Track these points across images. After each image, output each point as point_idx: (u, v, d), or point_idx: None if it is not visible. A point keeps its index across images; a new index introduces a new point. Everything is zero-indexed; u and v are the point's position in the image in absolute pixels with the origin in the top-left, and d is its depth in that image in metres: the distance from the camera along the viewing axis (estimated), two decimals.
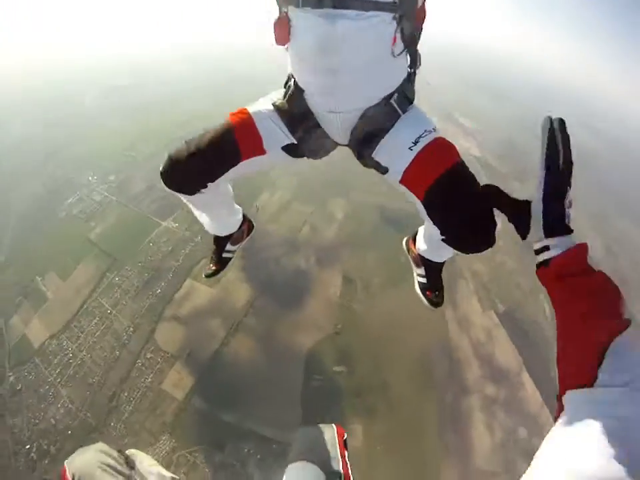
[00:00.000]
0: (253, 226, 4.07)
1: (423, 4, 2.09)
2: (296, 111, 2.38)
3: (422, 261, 3.29)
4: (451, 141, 2.22)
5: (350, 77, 2.06)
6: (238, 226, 3.68)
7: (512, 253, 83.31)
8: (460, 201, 1.93)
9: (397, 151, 2.19)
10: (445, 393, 36.31)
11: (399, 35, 1.99)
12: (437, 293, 3.32)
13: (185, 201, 2.61)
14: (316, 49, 1.95)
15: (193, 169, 2.22)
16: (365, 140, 2.37)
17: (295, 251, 60.33)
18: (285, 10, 1.95)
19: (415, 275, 3.60)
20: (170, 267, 41.65)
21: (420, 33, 2.21)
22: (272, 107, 2.40)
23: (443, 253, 3.08)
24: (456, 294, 64.34)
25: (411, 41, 2.14)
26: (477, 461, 30.00)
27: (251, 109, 2.40)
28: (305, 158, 2.72)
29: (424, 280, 3.35)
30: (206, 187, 2.37)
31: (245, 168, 2.41)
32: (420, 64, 2.39)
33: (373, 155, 2.36)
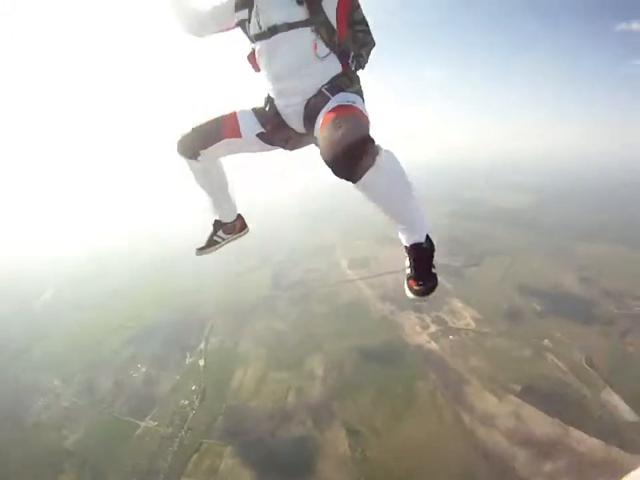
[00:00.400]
0: (245, 227, 5.28)
1: (343, 17, 3.32)
2: (268, 112, 3.75)
3: (406, 251, 3.70)
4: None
5: (288, 78, 3.41)
6: (232, 218, 5.00)
7: (498, 334, 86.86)
8: (341, 132, 2.66)
9: (319, 118, 3.22)
10: None
11: (319, 42, 3.25)
12: (420, 282, 3.52)
13: (188, 169, 4.12)
14: (264, 63, 3.45)
15: (190, 139, 3.72)
16: (310, 123, 3.46)
17: (287, 420, 58.32)
18: (252, 47, 3.50)
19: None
20: (160, 469, 42.11)
21: (353, 38, 3.52)
22: (251, 109, 3.86)
23: (407, 228, 3.62)
24: (467, 399, 67.68)
25: (335, 45, 3.34)
26: None
27: (237, 109, 3.88)
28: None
29: (408, 270, 3.68)
30: (199, 154, 3.83)
31: (228, 146, 3.88)
32: (366, 61, 3.65)
33: (315, 134, 3.32)
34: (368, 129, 2.91)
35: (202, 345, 73.10)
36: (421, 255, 3.66)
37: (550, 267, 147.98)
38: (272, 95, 3.76)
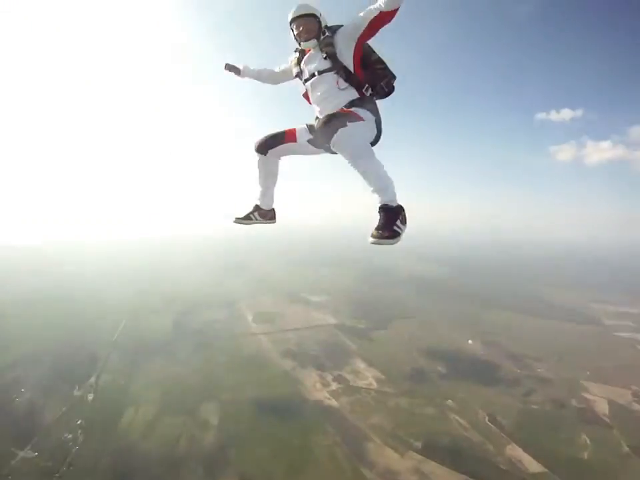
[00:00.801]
0: (274, 218, 8.11)
1: (357, 57, 6.16)
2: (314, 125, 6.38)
3: (378, 212, 5.83)
4: None
5: (323, 103, 6.28)
6: (268, 207, 7.81)
7: (401, 393, 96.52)
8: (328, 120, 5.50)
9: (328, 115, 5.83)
10: None
11: (340, 80, 6.07)
12: (380, 232, 5.57)
13: (256, 162, 6.96)
14: (311, 95, 6.52)
15: (264, 140, 6.45)
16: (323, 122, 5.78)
17: (177, 466, 60.44)
18: (305, 87, 6.59)
19: None
20: None
21: (367, 71, 6.42)
22: (306, 124, 6.53)
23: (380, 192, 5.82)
24: (367, 455, 73.28)
25: (352, 81, 6.15)
26: None
27: (299, 126, 6.61)
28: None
29: (377, 224, 5.72)
30: (267, 153, 6.52)
31: (288, 148, 6.61)
32: (388, 90, 6.58)
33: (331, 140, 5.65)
34: (348, 117, 5.75)
35: (92, 379, 72.42)
36: (388, 213, 5.67)
37: (455, 332, 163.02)
38: (317, 115, 6.78)
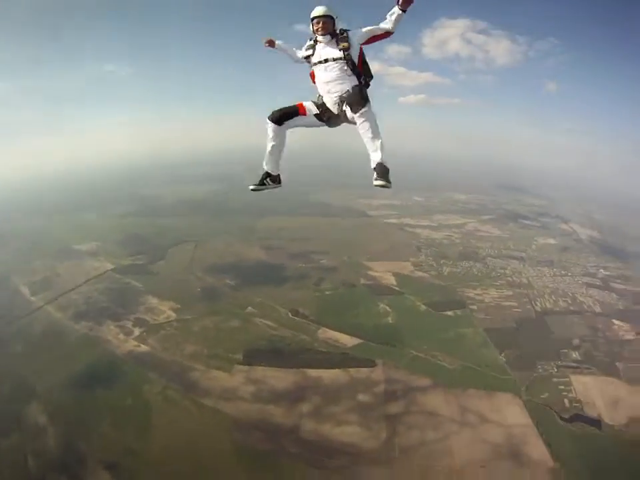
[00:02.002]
0: (280, 182, 13.13)
1: (359, 56, 11.94)
2: (320, 103, 12.22)
3: (373, 168, 11.60)
4: None
5: (332, 84, 11.70)
6: (276, 173, 12.87)
7: (202, 316, 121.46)
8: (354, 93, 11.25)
9: (341, 93, 11.77)
10: None
11: (348, 68, 11.64)
12: (382, 178, 11.42)
13: (269, 131, 12.07)
14: (320, 76, 12.06)
15: (279, 113, 11.77)
16: (340, 107, 11.74)
17: None
18: (311, 68, 12.55)
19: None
20: None
21: (364, 68, 12.30)
22: (311, 101, 12.48)
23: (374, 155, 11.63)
24: (199, 384, 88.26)
25: (355, 71, 11.75)
26: None
27: (305, 102, 12.53)
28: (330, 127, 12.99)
29: (374, 177, 11.45)
30: (283, 123, 12.01)
31: (299, 120, 12.34)
32: (371, 78, 12.15)
33: (343, 115, 11.84)
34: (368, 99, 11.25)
35: None
36: (383, 168, 11.46)
37: (234, 245, 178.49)
38: (322, 94, 12.04)
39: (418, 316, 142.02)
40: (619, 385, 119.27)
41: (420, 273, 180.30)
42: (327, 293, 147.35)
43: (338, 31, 11.47)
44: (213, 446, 78.77)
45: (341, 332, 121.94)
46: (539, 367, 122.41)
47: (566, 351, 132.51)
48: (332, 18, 11.34)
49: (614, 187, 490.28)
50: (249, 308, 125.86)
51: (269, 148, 12.26)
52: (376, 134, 11.18)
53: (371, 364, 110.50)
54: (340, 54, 11.34)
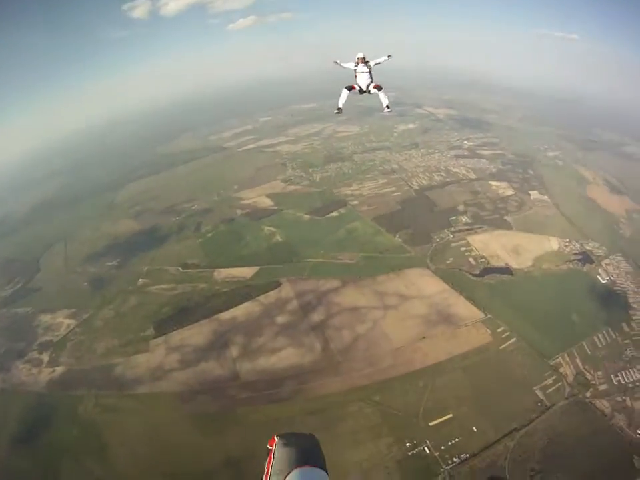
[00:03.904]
0: (341, 112, 34.67)
1: (370, 71, 32.78)
2: (356, 83, 32.59)
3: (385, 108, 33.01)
4: None
5: (364, 80, 32.27)
6: (340, 107, 33.75)
7: None
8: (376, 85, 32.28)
9: (368, 82, 32.47)
10: None
11: (369, 77, 32.68)
12: (389, 109, 33.06)
13: (344, 93, 32.91)
14: (358, 77, 32.72)
15: (352, 86, 32.30)
16: (366, 89, 32.37)
17: None
18: (356, 72, 32.94)
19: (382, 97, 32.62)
20: None
21: (372, 75, 33.11)
22: (356, 83, 32.84)
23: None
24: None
25: (371, 76, 32.60)
26: None
27: (354, 83, 32.95)
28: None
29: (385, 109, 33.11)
30: (350, 90, 32.43)
31: (352, 91, 32.68)
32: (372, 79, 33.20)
33: (369, 88, 32.23)
34: (380, 86, 31.70)
35: None
36: (388, 108, 32.66)
37: (102, 227, 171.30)
38: (360, 84, 32.00)
39: (304, 226, 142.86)
40: (513, 235, 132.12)
41: (292, 187, 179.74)
42: (209, 235, 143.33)
43: (365, 60, 31.23)
44: (170, 429, 76.22)
45: (235, 267, 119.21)
46: (435, 237, 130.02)
47: (455, 217, 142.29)
48: (365, 58, 31.20)
49: (459, 66, 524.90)
50: (140, 280, 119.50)
51: (343, 97, 31.90)
52: (384, 97, 31.54)
53: (276, 285, 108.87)
54: (367, 70, 31.30)
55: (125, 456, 73.16)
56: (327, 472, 6.95)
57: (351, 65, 32.07)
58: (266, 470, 6.99)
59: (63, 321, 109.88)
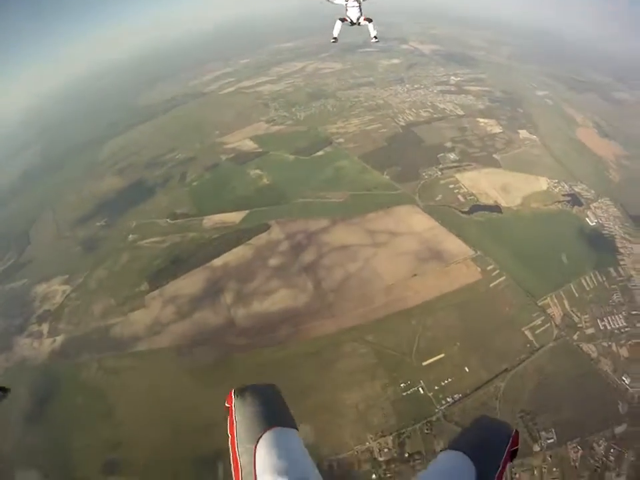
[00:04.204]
0: (337, 40, 35.59)
1: (360, 8, 34.21)
2: (347, 16, 33.61)
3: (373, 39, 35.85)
4: None
5: (352, 13, 33.21)
6: (336, 36, 34.75)
7: None
8: (365, 17, 34.20)
9: (358, 15, 33.63)
10: None
11: (360, 9, 33.54)
12: (376, 38, 35.63)
13: (338, 24, 34.26)
14: (349, 8, 33.41)
15: (344, 18, 33.57)
16: (356, 20, 33.68)
17: None
18: (346, 4, 33.95)
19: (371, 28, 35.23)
20: None
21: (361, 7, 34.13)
22: (347, 15, 34.11)
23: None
24: None
25: (361, 9, 33.53)
26: None
27: (346, 16, 34.41)
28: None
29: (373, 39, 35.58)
30: (343, 22, 33.71)
31: (345, 22, 34.12)
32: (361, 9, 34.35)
33: (358, 21, 33.72)
34: (370, 19, 33.60)
35: None
36: (376, 37, 35.15)
37: (87, 187, 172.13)
38: (351, 16, 33.31)
39: (290, 167, 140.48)
40: (502, 173, 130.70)
41: (276, 127, 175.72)
42: (195, 183, 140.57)
43: None
44: (172, 383, 77.17)
45: (224, 212, 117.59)
46: (423, 174, 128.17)
47: (442, 154, 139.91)
48: None
49: (446, 2, 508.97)
50: (130, 236, 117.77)
51: (337, 27, 33.54)
52: (372, 28, 34.22)
53: (265, 228, 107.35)
54: (357, 4, 32.94)
55: (130, 415, 74.13)
56: (297, 428, 6.58)
57: (341, 1, 33.46)
58: (230, 436, 6.55)
59: (58, 288, 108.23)
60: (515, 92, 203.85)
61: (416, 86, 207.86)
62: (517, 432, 6.52)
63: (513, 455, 6.48)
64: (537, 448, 65.77)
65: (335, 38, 35.13)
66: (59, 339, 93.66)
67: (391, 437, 67.00)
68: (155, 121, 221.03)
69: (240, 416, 6.53)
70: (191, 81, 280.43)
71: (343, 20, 33.55)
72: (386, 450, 65.95)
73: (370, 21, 33.66)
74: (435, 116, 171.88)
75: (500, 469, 6.00)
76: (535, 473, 64.00)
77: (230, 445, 6.39)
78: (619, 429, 67.50)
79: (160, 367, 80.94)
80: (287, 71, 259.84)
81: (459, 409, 69.65)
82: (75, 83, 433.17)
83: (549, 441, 66.41)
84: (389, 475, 64.16)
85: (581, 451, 65.49)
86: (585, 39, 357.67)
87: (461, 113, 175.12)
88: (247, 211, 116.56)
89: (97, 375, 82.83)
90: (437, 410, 69.50)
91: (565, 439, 66.46)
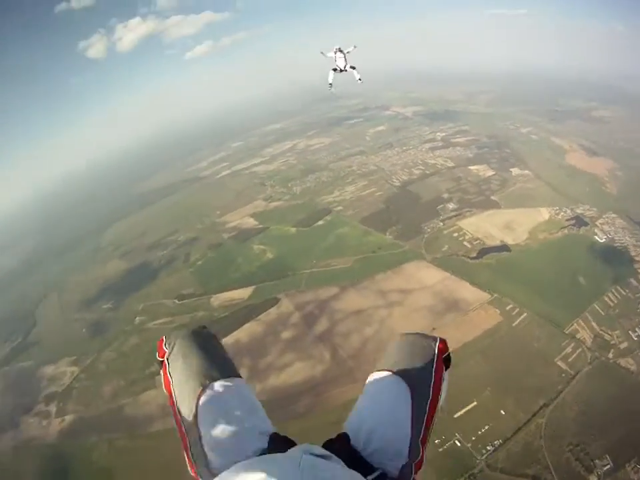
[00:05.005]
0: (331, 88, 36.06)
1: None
2: (337, 65, 33.10)
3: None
4: None
5: (340, 61, 32.93)
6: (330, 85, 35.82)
7: None
8: (351, 65, 34.41)
9: (344, 64, 33.24)
10: None
11: (344, 59, 33.73)
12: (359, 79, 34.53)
13: (331, 74, 34.31)
14: (338, 59, 34.14)
15: (334, 68, 34.23)
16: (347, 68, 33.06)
17: None
18: (335, 56, 34.03)
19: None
20: None
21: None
22: (337, 66, 33.29)
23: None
24: None
25: (346, 60, 33.17)
26: None
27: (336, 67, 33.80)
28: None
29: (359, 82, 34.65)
30: (334, 71, 34.16)
31: (337, 71, 34.12)
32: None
33: (346, 67, 33.60)
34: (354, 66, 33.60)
35: None
36: (360, 79, 34.40)
37: (92, 271, 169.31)
38: (337, 63, 32.35)
39: (293, 239, 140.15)
40: (502, 213, 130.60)
41: (274, 203, 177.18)
42: (199, 263, 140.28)
43: (340, 49, 32.80)
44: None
45: (231, 290, 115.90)
46: (426, 228, 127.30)
47: (441, 205, 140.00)
48: (340, 48, 32.91)
49: (417, 60, 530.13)
50: (137, 318, 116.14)
51: (331, 76, 33.46)
52: (356, 73, 33.52)
53: (275, 302, 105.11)
54: (343, 56, 32.59)
55: None
56: (241, 377, 5.80)
57: (331, 54, 34.98)
58: (167, 393, 5.66)
59: (66, 370, 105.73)
60: (500, 134, 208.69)
61: (405, 147, 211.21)
62: (442, 339, 5.83)
63: (446, 362, 5.81)
64: (594, 479, 60.79)
65: (330, 84, 36.68)
66: (68, 418, 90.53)
67: None
68: (155, 205, 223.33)
69: (175, 370, 5.57)
70: (187, 168, 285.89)
71: (334, 69, 35.10)
72: None
73: (354, 67, 35.13)
74: (427, 172, 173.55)
75: (433, 379, 5.48)
76: None
77: (169, 405, 5.65)
78: None
79: (175, 445, 76.81)
80: (279, 151, 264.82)
81: (502, 455, 65.22)
82: (73, 174, 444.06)
83: (605, 468, 61.43)
84: None
85: None
86: (556, 70, 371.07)
87: (452, 164, 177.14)
88: (254, 287, 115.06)
89: (109, 455, 79.22)
90: (478, 460, 65.13)
91: (622, 461, 61.54)
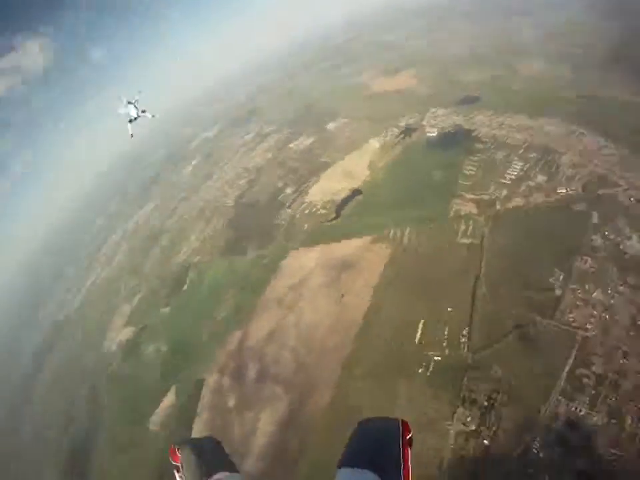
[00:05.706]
0: None
1: None
2: (129, 115, 39.19)
3: None
4: None
5: (132, 111, 38.79)
6: None
7: None
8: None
9: (136, 111, 39.21)
10: None
11: (134, 105, 39.15)
12: None
13: (128, 125, 39.09)
14: (131, 110, 39.31)
15: (129, 120, 39.43)
16: (136, 113, 39.46)
17: None
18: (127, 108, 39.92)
19: None
20: None
21: None
22: None
23: None
24: None
25: (137, 107, 38.93)
26: None
27: None
28: None
29: None
30: (130, 122, 39.49)
31: None
32: None
33: (138, 114, 38.73)
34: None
35: None
36: None
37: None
38: (130, 114, 39.64)
39: (170, 319, 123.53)
40: (338, 166, 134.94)
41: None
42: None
43: (130, 101, 39.03)
44: None
45: None
46: (279, 222, 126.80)
47: (282, 195, 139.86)
48: (130, 101, 39.28)
49: None
50: None
51: (129, 127, 38.97)
52: (149, 113, 39.10)
53: (200, 385, 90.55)
54: (133, 106, 38.21)
55: None
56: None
57: (122, 109, 38.14)
58: None
59: None
60: (303, 103, 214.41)
61: (222, 165, 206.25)
62: (403, 421, 5.68)
63: (410, 443, 5.63)
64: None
65: (131, 135, 39.48)
66: None
67: None
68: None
69: (187, 467, 6.22)
70: None
71: (130, 121, 37.63)
72: None
73: (144, 111, 38.14)
74: (252, 176, 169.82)
75: (402, 465, 5.36)
76: None
77: None
78: None
79: None
80: None
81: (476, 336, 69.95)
82: None
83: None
84: None
85: None
86: None
87: (271, 155, 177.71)
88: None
89: None
90: (464, 355, 68.02)
91: None
